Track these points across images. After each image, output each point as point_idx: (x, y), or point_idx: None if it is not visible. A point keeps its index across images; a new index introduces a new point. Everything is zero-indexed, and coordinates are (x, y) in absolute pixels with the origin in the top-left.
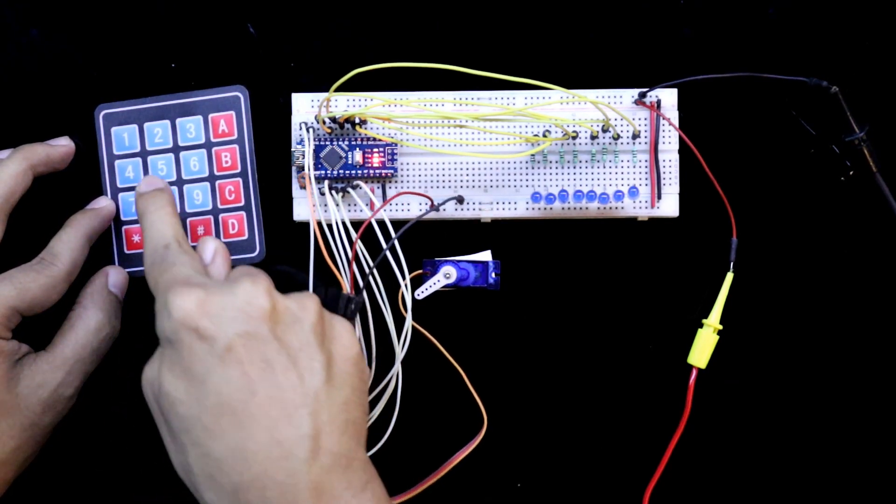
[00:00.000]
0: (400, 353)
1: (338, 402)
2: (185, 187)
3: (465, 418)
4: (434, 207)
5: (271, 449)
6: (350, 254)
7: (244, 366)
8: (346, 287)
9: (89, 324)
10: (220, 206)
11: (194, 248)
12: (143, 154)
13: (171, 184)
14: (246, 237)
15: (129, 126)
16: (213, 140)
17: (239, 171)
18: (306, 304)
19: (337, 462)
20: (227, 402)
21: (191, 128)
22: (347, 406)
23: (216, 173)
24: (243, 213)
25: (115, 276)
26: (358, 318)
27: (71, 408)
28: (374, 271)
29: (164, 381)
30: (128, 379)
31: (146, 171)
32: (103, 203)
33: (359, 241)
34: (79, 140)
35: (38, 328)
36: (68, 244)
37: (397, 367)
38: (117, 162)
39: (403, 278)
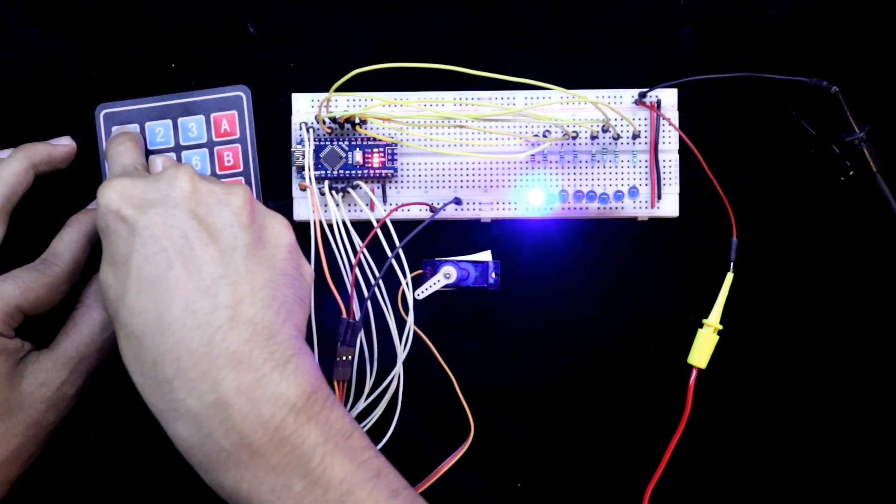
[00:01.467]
0: (401, 353)
1: (262, 279)
2: None
3: (463, 419)
4: (435, 213)
5: (186, 318)
6: (353, 259)
7: (162, 241)
8: (343, 310)
9: (94, 322)
10: None
11: None
12: (145, 153)
13: None
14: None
15: (130, 125)
16: (215, 139)
17: (241, 170)
18: (234, 191)
19: (257, 333)
20: (146, 277)
21: (192, 127)
22: (273, 285)
23: (218, 172)
24: None
25: None
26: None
27: (73, 407)
28: (381, 283)
29: (100, 273)
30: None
31: (147, 171)
32: None
33: (357, 238)
34: (80, 140)
35: (41, 327)
36: (70, 244)
37: (398, 369)
38: None
39: (404, 279)
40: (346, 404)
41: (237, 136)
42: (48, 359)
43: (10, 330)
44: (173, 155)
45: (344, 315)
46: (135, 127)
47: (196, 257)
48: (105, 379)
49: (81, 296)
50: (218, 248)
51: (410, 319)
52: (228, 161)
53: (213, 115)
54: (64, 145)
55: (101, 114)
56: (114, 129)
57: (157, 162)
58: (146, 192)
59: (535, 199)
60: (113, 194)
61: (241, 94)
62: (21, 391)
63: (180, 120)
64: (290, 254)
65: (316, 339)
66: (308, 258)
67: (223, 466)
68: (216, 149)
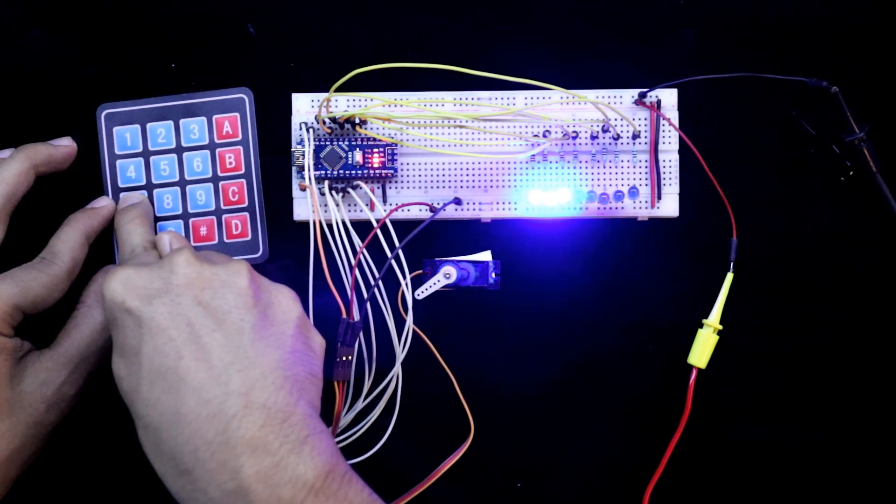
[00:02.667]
0: (400, 354)
1: (272, 360)
2: (188, 188)
3: (464, 420)
4: (435, 213)
5: (200, 408)
6: (353, 259)
7: (170, 332)
8: (343, 310)
9: (95, 322)
10: (223, 207)
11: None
12: (146, 154)
13: (174, 184)
14: (249, 238)
15: (132, 126)
16: (216, 141)
17: (243, 172)
18: (236, 270)
19: (271, 417)
20: (158, 369)
21: (194, 129)
22: (285, 364)
23: (220, 174)
24: (247, 214)
25: None
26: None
27: (73, 407)
28: (380, 283)
29: (112, 364)
30: None
31: (148, 171)
32: (103, 202)
33: (356, 238)
34: (80, 140)
35: (42, 326)
36: (68, 243)
37: (397, 369)
38: (119, 162)
39: (404, 279)
40: (344, 404)
41: (239, 137)
42: (49, 358)
43: (10, 329)
44: (174, 157)
45: (344, 315)
46: (202, 120)
47: (204, 345)
48: (105, 379)
49: (82, 295)
50: (225, 334)
51: (410, 319)
52: (230, 163)
53: (215, 117)
54: (64, 146)
55: (103, 114)
56: (121, 196)
57: (165, 241)
58: (149, 282)
59: (535, 199)
60: (117, 286)
61: (244, 96)
62: (21, 390)
63: (182, 121)
64: (298, 329)
65: None
66: (308, 258)
67: None
68: (218, 150)
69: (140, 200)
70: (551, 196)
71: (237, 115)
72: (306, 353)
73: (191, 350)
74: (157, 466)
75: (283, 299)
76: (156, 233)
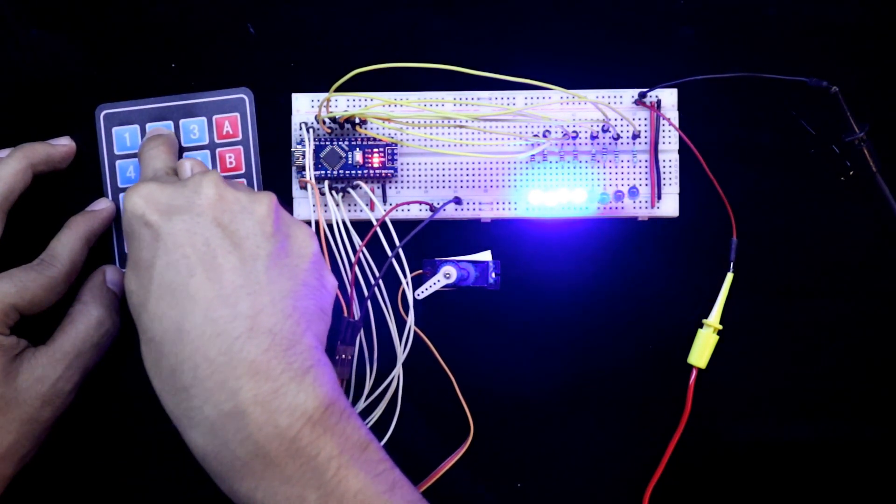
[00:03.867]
0: (401, 355)
1: (283, 289)
2: None
3: (463, 420)
4: (435, 212)
5: (205, 326)
6: (353, 258)
7: (185, 248)
8: (344, 308)
9: (91, 319)
10: None
11: None
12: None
13: None
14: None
15: (131, 126)
16: (217, 141)
17: (243, 172)
18: (259, 199)
19: (276, 343)
20: (168, 283)
21: (194, 129)
22: (295, 294)
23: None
24: None
25: (111, 274)
26: (361, 332)
27: (70, 404)
28: (381, 282)
29: (124, 278)
30: (127, 377)
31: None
32: (103, 205)
33: (357, 238)
34: (79, 140)
35: (40, 324)
36: (68, 246)
37: (398, 370)
38: (118, 162)
39: (405, 277)
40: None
41: (239, 137)
42: (44, 354)
43: (6, 328)
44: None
45: (345, 314)
46: (168, 125)
47: (218, 265)
48: (102, 377)
49: (79, 293)
50: (240, 257)
51: (411, 319)
52: (230, 163)
53: (215, 117)
54: (63, 145)
55: (102, 114)
56: (148, 126)
57: (186, 166)
58: (171, 199)
59: (535, 199)
60: (138, 199)
61: (244, 96)
62: (16, 387)
63: (182, 121)
64: (313, 264)
65: None
66: None
67: (238, 475)
68: (218, 150)
69: (166, 132)
70: (552, 196)
71: (237, 115)
72: (319, 288)
73: (203, 268)
74: (155, 383)
75: (302, 235)
76: None
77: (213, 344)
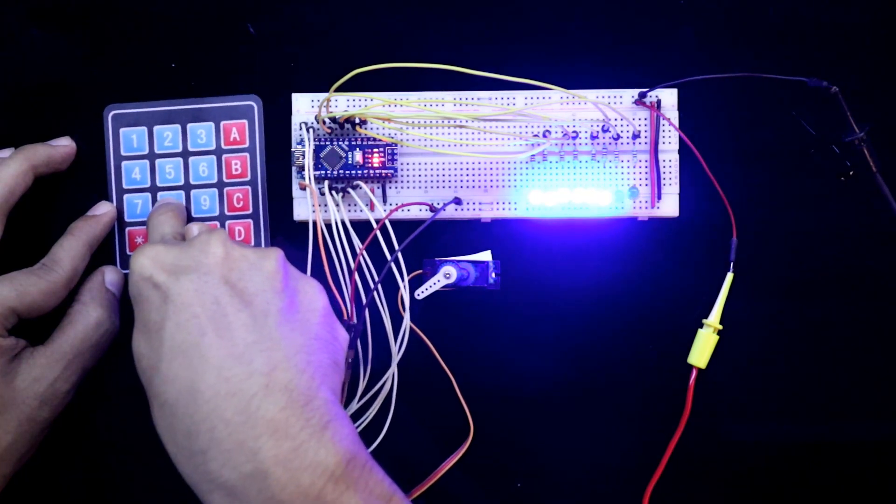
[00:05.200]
0: (396, 355)
1: (296, 344)
2: (193, 192)
3: (464, 421)
4: (435, 213)
5: (220, 386)
6: (353, 261)
7: (195, 308)
8: (345, 310)
9: (89, 319)
10: (227, 213)
11: None
12: (151, 157)
13: (179, 188)
14: (252, 244)
15: (139, 128)
16: (223, 147)
17: (248, 179)
18: (267, 255)
19: (293, 399)
20: (179, 345)
21: (202, 133)
22: (309, 349)
23: (225, 180)
24: (250, 221)
25: (111, 275)
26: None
27: (68, 405)
28: (380, 287)
29: (133, 341)
30: (125, 379)
31: (153, 174)
32: (104, 209)
33: (356, 239)
34: (79, 140)
35: (39, 325)
36: (70, 251)
37: (393, 369)
38: (124, 163)
39: (402, 280)
40: (346, 406)
41: (246, 144)
42: (42, 355)
43: (4, 330)
44: (180, 160)
45: (345, 317)
46: (176, 130)
47: (229, 323)
48: (100, 377)
49: (78, 293)
50: (251, 314)
51: (406, 318)
52: (236, 169)
53: (223, 123)
54: (63, 146)
55: (110, 115)
56: (159, 196)
57: (194, 229)
58: (178, 259)
59: (535, 199)
60: (145, 261)
61: (253, 103)
62: (14, 387)
63: (189, 125)
64: (323, 318)
65: None
66: (307, 258)
67: None
68: (224, 156)
69: (176, 203)
70: (551, 196)
71: (245, 122)
72: (331, 341)
73: (214, 327)
74: (169, 448)
75: (310, 289)
76: None
77: (230, 404)
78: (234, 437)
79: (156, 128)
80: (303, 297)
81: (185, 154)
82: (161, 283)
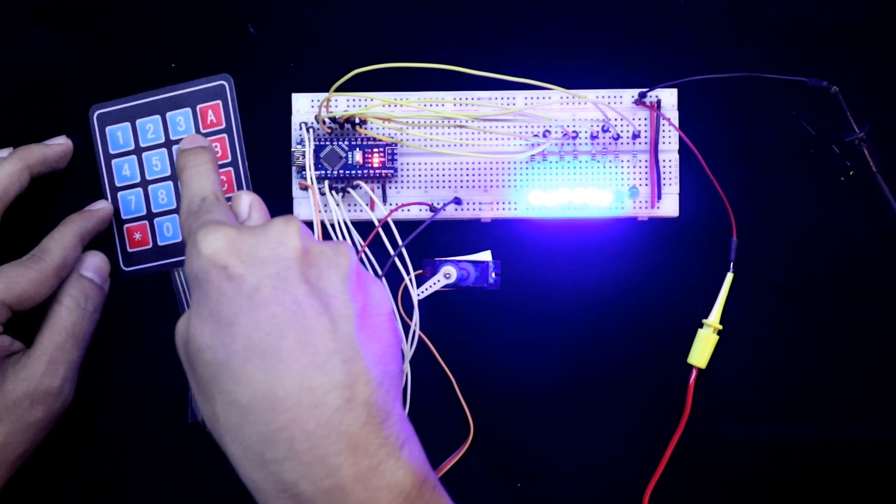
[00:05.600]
0: (408, 353)
1: (373, 353)
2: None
3: (463, 419)
4: (436, 213)
5: (302, 396)
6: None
7: (273, 307)
8: None
9: (60, 310)
10: None
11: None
12: (138, 151)
13: (166, 178)
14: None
15: (123, 124)
16: (202, 131)
17: (230, 160)
18: (342, 251)
19: (373, 416)
20: (256, 345)
21: (181, 121)
22: (382, 360)
23: None
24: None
25: (90, 261)
26: None
27: (65, 406)
28: (383, 280)
29: (192, 328)
30: (125, 379)
31: (142, 169)
32: (101, 205)
33: (358, 238)
34: (78, 140)
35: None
36: (60, 241)
37: (406, 368)
38: (114, 161)
39: (407, 276)
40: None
41: (223, 125)
42: (27, 354)
43: None
44: (164, 151)
45: None
46: (157, 120)
47: (310, 328)
48: (100, 377)
49: (58, 293)
50: (331, 319)
51: (416, 321)
52: (217, 152)
53: (199, 107)
54: (59, 144)
55: (95, 114)
56: (187, 136)
57: (244, 201)
58: (255, 249)
59: (535, 199)
60: (221, 246)
61: (224, 82)
62: (4, 389)
63: (168, 114)
64: (391, 322)
65: None
66: None
67: None
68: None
69: (207, 144)
70: (551, 196)
71: (219, 102)
72: (396, 347)
73: (295, 331)
74: (233, 449)
75: (378, 290)
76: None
77: (311, 415)
78: (315, 450)
79: (138, 121)
80: (373, 299)
81: (168, 144)
82: (237, 276)
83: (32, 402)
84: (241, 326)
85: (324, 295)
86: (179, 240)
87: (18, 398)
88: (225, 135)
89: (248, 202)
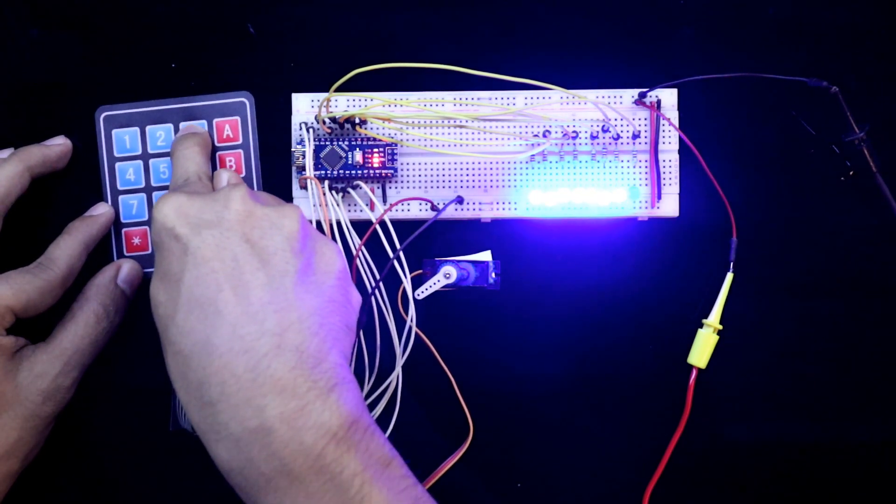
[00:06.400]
0: (400, 357)
1: (310, 305)
2: None
3: (465, 421)
4: (438, 212)
5: (233, 342)
6: (353, 257)
7: (213, 263)
8: None
9: (89, 316)
10: None
11: None
12: (145, 157)
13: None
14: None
15: (131, 129)
16: (217, 145)
17: (243, 175)
18: (287, 213)
19: (303, 360)
20: (197, 298)
21: None
22: (321, 312)
23: None
24: None
25: (126, 271)
26: (361, 334)
27: (69, 400)
28: (381, 285)
29: (152, 288)
30: (125, 379)
31: (147, 174)
32: (102, 210)
33: (357, 238)
34: (77, 141)
35: (39, 325)
36: (67, 250)
37: (398, 371)
38: (118, 164)
39: (405, 277)
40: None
41: (240, 141)
42: (43, 351)
43: (2, 329)
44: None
45: None
46: (169, 129)
47: (245, 282)
48: (100, 377)
49: (84, 288)
50: (268, 274)
51: (412, 320)
52: (230, 167)
53: (215, 121)
54: (58, 144)
55: (101, 116)
56: (182, 124)
57: (224, 177)
58: (201, 212)
59: (535, 199)
60: (169, 211)
61: (245, 100)
62: (17, 384)
63: (182, 124)
64: (339, 280)
65: None
66: None
67: (262, 491)
68: (218, 154)
69: (201, 130)
70: (551, 196)
71: (238, 118)
72: (345, 304)
73: (232, 284)
74: (181, 395)
75: (328, 250)
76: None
77: (241, 361)
78: (243, 392)
79: (148, 128)
80: (320, 258)
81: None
82: (182, 236)
83: (45, 399)
84: (185, 282)
85: (264, 252)
86: None
87: (32, 394)
88: (241, 150)
89: (226, 177)
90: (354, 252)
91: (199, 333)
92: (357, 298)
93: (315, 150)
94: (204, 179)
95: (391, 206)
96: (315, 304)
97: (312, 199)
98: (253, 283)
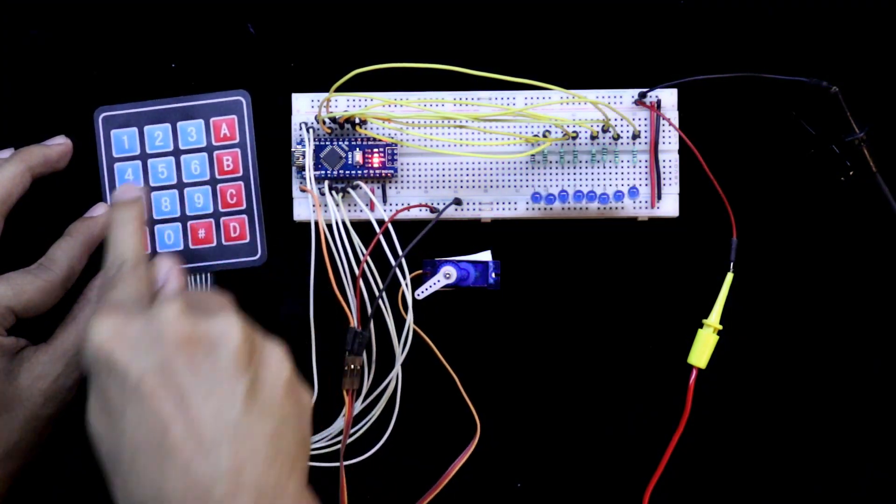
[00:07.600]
0: (400, 356)
1: (264, 433)
2: (186, 190)
3: (465, 420)
4: (437, 215)
5: (187, 491)
6: (354, 261)
7: (157, 401)
8: (351, 318)
9: (90, 316)
10: (221, 210)
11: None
12: (143, 157)
13: (172, 186)
14: (247, 240)
15: (129, 129)
16: (214, 144)
17: (241, 174)
18: (228, 323)
19: (262, 497)
20: (142, 440)
21: (192, 131)
22: (276, 437)
23: (217, 177)
24: (245, 217)
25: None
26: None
27: (71, 400)
28: (384, 294)
29: (90, 417)
30: None
31: (146, 174)
32: (101, 210)
33: (357, 239)
34: (77, 141)
35: (40, 326)
36: (67, 252)
37: (397, 370)
38: (116, 164)
39: (404, 279)
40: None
41: (237, 140)
42: (44, 352)
43: (3, 329)
44: (172, 159)
45: (351, 324)
46: (166, 129)
47: (193, 418)
48: None
49: (86, 289)
50: (216, 406)
51: (409, 320)
52: (228, 166)
53: (212, 120)
54: (59, 144)
55: (100, 117)
56: (120, 185)
57: (163, 268)
58: (139, 339)
59: (534, 199)
60: (106, 335)
61: (242, 98)
62: (18, 385)
63: (179, 124)
64: (289, 390)
65: (314, 344)
66: (309, 260)
67: None
68: (216, 153)
69: (138, 197)
70: (551, 196)
71: (235, 117)
72: (297, 416)
73: (180, 423)
74: None
75: (275, 358)
76: (150, 234)
77: None
78: None
79: (146, 128)
80: (267, 370)
81: (177, 153)
82: (120, 364)
83: (46, 400)
84: (128, 420)
85: (209, 380)
86: (181, 247)
87: (33, 395)
88: (238, 149)
89: (166, 270)
90: (357, 257)
91: (149, 480)
92: (307, 400)
93: (315, 150)
94: (140, 266)
95: (393, 214)
96: (269, 430)
97: (312, 204)
98: (202, 415)
